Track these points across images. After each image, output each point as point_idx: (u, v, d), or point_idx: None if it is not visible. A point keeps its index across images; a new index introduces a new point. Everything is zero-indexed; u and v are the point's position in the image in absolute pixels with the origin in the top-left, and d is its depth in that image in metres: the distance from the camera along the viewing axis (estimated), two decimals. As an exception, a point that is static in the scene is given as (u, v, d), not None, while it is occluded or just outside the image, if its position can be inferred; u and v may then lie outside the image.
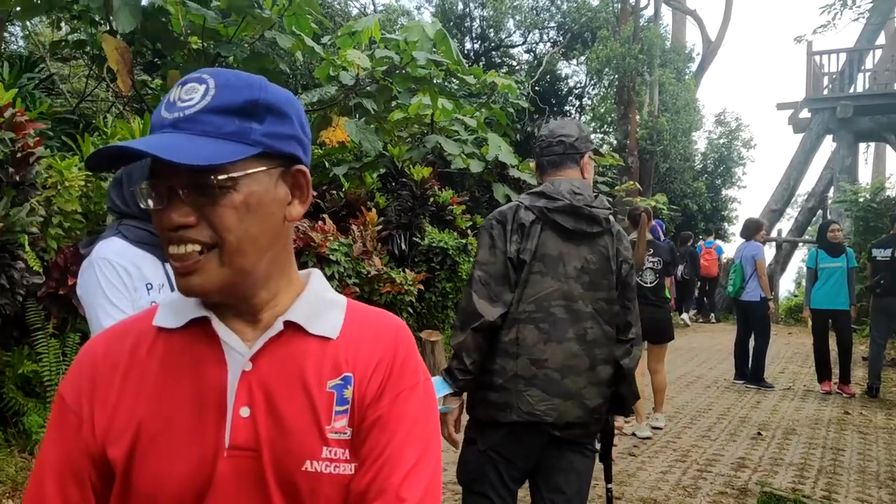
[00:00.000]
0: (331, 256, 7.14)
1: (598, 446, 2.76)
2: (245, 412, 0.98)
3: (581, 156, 2.65)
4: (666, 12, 23.15)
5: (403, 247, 9.08)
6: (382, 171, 10.37)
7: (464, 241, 9.52)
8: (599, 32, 18.75)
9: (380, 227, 8.66)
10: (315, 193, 8.88)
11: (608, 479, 2.86)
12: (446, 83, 10.75)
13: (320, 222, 7.50)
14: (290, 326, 1.03)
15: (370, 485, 0.98)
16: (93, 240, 2.17)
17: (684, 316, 16.18)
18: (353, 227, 8.04)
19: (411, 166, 9.71)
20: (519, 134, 16.62)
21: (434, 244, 9.20)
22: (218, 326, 1.02)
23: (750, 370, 9.12)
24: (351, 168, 9.96)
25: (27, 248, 4.49)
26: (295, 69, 12.49)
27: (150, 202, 0.95)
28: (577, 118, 22.35)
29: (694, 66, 23.54)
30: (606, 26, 19.18)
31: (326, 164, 10.23)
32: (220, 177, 0.92)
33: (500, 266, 2.49)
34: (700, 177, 22.35)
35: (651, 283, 6.29)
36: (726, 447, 6.00)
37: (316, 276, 1.12)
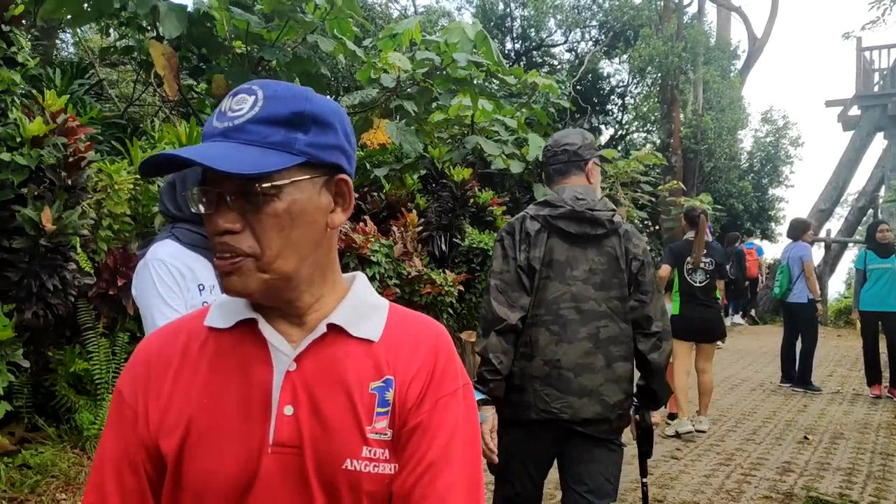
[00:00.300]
0: (372, 258, 7.19)
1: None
2: (289, 410, 1.02)
3: (585, 162, 2.78)
4: (710, 9, 22.78)
5: (444, 248, 9.10)
6: (423, 172, 10.41)
7: (504, 241, 9.49)
8: (642, 30, 18.55)
9: (420, 228, 8.70)
10: (356, 195, 8.95)
11: (643, 473, 2.95)
12: (486, 83, 10.75)
13: (361, 224, 7.56)
14: (334, 329, 1.07)
15: (413, 489, 1.01)
16: (147, 242, 2.25)
17: (736, 318, 15.89)
18: (394, 228, 8.09)
19: (451, 167, 9.73)
20: (560, 134, 16.50)
21: (474, 245, 9.20)
22: (264, 328, 1.06)
23: (797, 373, 8.94)
24: (391, 170, 10.02)
25: (79, 249, 4.62)
26: (336, 72, 12.62)
27: (201, 207, 1.00)
28: (620, 117, 22.15)
29: (739, 64, 23.11)
30: (649, 24, 18.95)
31: (367, 165, 10.31)
32: (264, 185, 0.96)
33: (513, 274, 2.63)
34: (746, 176, 21.93)
35: (701, 282, 6.25)
36: (772, 451, 5.90)
37: (360, 280, 1.16)
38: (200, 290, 2.15)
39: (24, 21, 5.09)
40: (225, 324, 1.09)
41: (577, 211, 2.63)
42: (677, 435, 6.15)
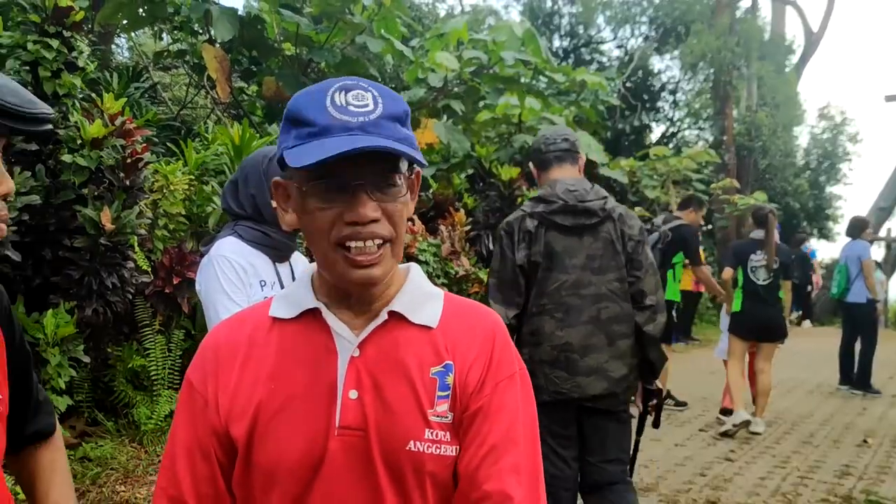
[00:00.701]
0: (420, 257, 7.23)
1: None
2: (353, 395, 1.07)
3: (578, 156, 3.03)
4: (764, 3, 22.30)
5: (491, 247, 9.08)
6: (470, 171, 10.41)
7: (553, 240, 9.44)
8: (693, 26, 18.25)
9: (468, 227, 8.70)
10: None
11: (639, 431, 3.16)
12: (534, 82, 10.69)
13: (409, 223, 7.61)
14: (394, 316, 1.11)
15: (477, 470, 1.05)
16: (211, 239, 2.33)
17: (805, 323, 15.42)
18: (442, 227, 8.11)
19: (499, 166, 9.71)
20: (609, 132, 16.35)
21: (522, 244, 9.17)
22: (328, 317, 1.11)
23: (856, 375, 8.68)
24: (438, 169, 10.04)
25: (137, 248, 4.74)
26: (383, 73, 12.70)
27: (325, 198, 1.03)
28: (671, 114, 21.82)
29: (794, 59, 22.55)
30: (701, 19, 18.62)
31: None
32: (402, 176, 1.05)
33: (509, 272, 2.84)
34: (802, 173, 21.41)
35: (765, 281, 6.19)
36: (829, 454, 5.74)
37: (415, 269, 1.20)
38: (262, 286, 2.22)
39: (83, 27, 5.24)
40: (289, 314, 1.14)
41: (569, 205, 2.82)
42: (734, 427, 6.11)
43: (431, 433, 1.06)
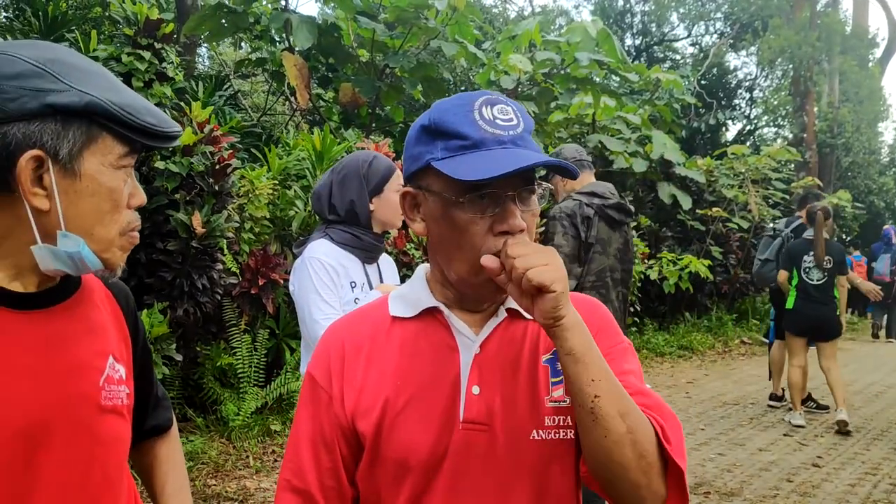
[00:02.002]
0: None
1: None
2: (476, 390, 1.11)
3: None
4: (846, -5, 21.48)
5: (566, 248, 9.03)
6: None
7: (628, 242, 9.34)
8: (772, 21, 17.71)
9: (541, 228, 8.67)
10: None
11: None
12: (606, 81, 10.59)
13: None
14: (510, 312, 1.16)
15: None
16: (304, 241, 2.41)
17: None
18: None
19: (573, 167, 9.63)
20: (684, 130, 16.03)
21: (597, 245, 9.09)
22: (449, 316, 1.15)
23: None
24: (511, 171, 10.03)
25: (226, 251, 4.92)
26: (455, 76, 12.78)
27: (477, 209, 1.06)
28: (747, 111, 21.25)
29: (878, 52, 21.64)
30: (779, 14, 18.07)
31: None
32: (542, 187, 1.10)
33: (572, 247, 3.40)
34: (887, 171, 20.54)
35: (818, 281, 6.16)
36: (924, 463, 5.50)
37: None
38: (352, 287, 2.29)
39: (174, 38, 5.46)
40: (409, 313, 1.18)
41: (621, 203, 3.57)
42: (793, 425, 6.24)
43: (551, 419, 1.10)
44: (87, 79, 1.02)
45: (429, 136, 1.08)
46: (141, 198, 1.11)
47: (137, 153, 1.09)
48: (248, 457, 4.70)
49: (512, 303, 1.14)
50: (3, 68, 0.99)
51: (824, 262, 6.09)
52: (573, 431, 1.09)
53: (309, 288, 2.25)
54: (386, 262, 2.53)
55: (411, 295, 1.19)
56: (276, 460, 4.72)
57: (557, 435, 1.10)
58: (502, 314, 1.15)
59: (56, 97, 0.98)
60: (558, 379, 1.11)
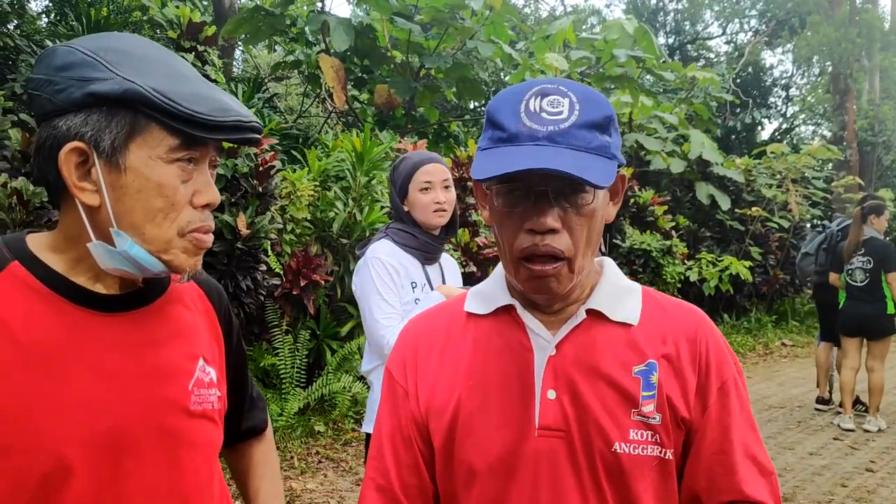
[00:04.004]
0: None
1: None
2: (552, 395, 1.05)
3: None
4: (886, -11, 21.04)
5: (604, 249, 8.93)
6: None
7: (668, 242, 9.22)
8: (810, 18, 17.42)
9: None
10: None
11: None
12: (640, 79, 10.47)
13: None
14: (592, 314, 1.08)
15: (712, 486, 1.06)
16: (366, 242, 2.41)
17: None
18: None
19: (609, 167, 9.55)
20: (719, 129, 15.82)
21: (635, 246, 9.00)
22: (523, 314, 1.10)
23: None
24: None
25: (269, 252, 4.93)
26: (491, 76, 12.74)
27: (507, 202, 1.01)
28: (784, 109, 20.94)
29: (920, 47, 21.18)
30: (817, 10, 17.76)
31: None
32: (595, 188, 0.99)
33: None
34: (930, 169, 20.05)
35: (861, 282, 6.07)
36: (981, 469, 5.34)
37: (609, 263, 1.16)
38: (413, 287, 2.28)
39: (221, 42, 5.50)
40: (484, 310, 1.13)
41: None
42: (839, 428, 6.16)
43: (637, 433, 1.03)
44: (140, 66, 0.95)
45: (486, 123, 1.04)
46: (208, 196, 1.01)
47: (200, 147, 0.99)
48: (292, 458, 4.69)
49: (594, 302, 1.09)
50: (56, 60, 0.95)
51: (860, 262, 6.02)
52: (665, 451, 1.04)
53: (370, 288, 2.24)
54: (448, 263, 2.50)
55: (487, 291, 1.15)
56: (320, 461, 4.71)
57: (645, 451, 1.03)
58: (581, 315, 1.08)
59: (98, 86, 0.93)
60: (650, 393, 1.04)
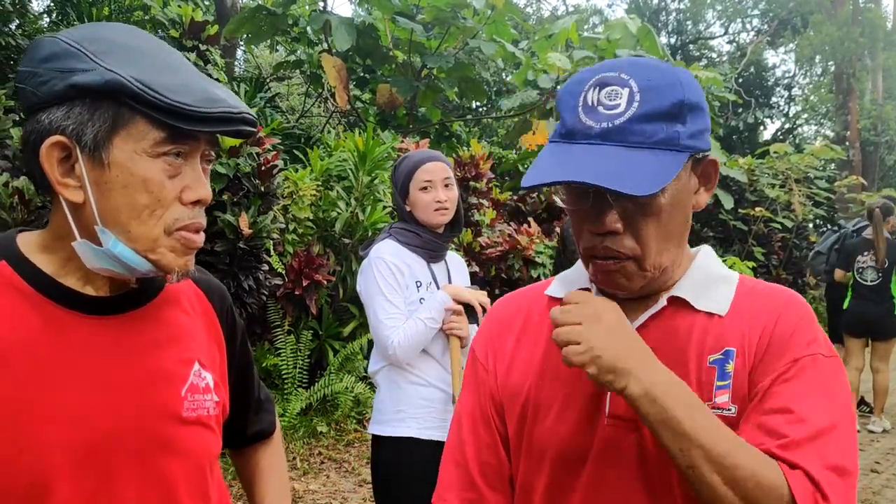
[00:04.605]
0: (536, 259, 7.17)
1: None
2: None
3: None
4: (889, -11, 21.01)
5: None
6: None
7: (669, 242, 9.20)
8: (812, 17, 17.40)
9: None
10: (516, 198, 8.98)
11: None
12: (644, 80, 10.45)
13: (525, 225, 7.57)
14: (675, 301, 1.03)
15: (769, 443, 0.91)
16: (370, 242, 2.40)
17: None
18: (558, 229, 8.04)
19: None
20: (721, 129, 15.80)
21: (638, 246, 8.98)
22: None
23: None
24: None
25: (272, 252, 4.92)
26: (493, 75, 12.74)
27: (570, 200, 0.99)
28: (786, 109, 20.91)
29: (923, 47, 21.16)
30: (819, 10, 17.74)
31: (520, 167, 10.31)
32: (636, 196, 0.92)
33: None
34: (933, 169, 20.03)
35: (873, 281, 6.07)
36: None
37: (704, 251, 1.10)
38: (418, 287, 2.27)
39: (223, 41, 5.48)
40: (562, 293, 1.09)
41: None
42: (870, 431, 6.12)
43: None
44: (126, 56, 0.91)
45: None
46: (199, 192, 0.95)
47: (188, 140, 0.93)
48: (294, 458, 4.68)
49: (679, 290, 1.03)
50: (41, 51, 0.91)
51: (870, 262, 6.01)
52: None
53: (374, 289, 2.24)
54: (455, 261, 2.49)
55: (572, 275, 1.12)
56: (322, 462, 4.70)
57: None
58: (662, 302, 1.03)
59: (80, 77, 0.88)
60: (725, 383, 0.98)
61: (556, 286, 1.14)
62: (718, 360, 0.99)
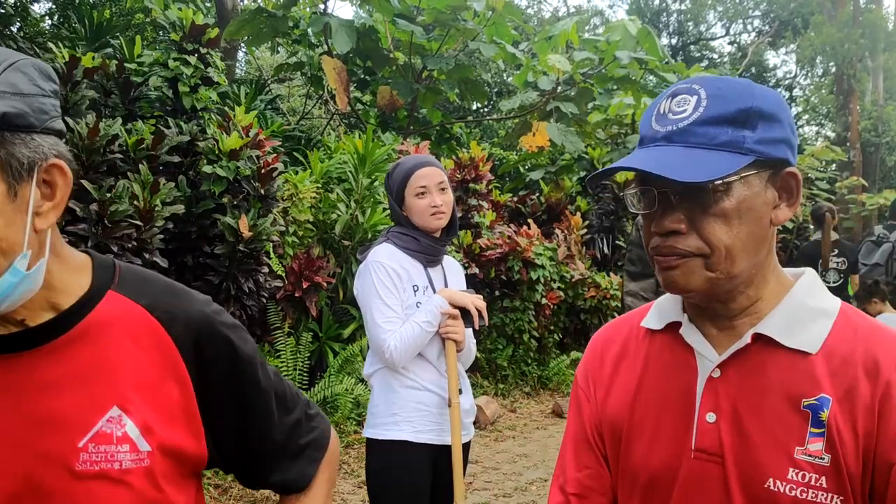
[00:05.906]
0: (536, 261, 7.19)
1: None
2: (711, 418, 1.01)
3: None
4: (890, -10, 21.00)
5: (606, 250, 8.95)
6: (581, 174, 10.29)
7: (670, 243, 9.21)
8: (813, 18, 17.40)
9: (583, 230, 8.60)
10: (515, 198, 9.00)
11: None
12: (642, 81, 10.46)
13: (525, 227, 7.58)
14: (762, 338, 1.00)
15: None
16: (367, 246, 2.40)
17: None
18: (557, 231, 8.05)
19: (612, 168, 9.52)
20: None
21: (638, 247, 8.98)
22: (688, 332, 1.06)
23: None
24: (547, 172, 9.96)
25: (272, 254, 4.94)
26: (494, 77, 12.75)
27: (640, 206, 1.01)
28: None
29: (924, 47, 21.15)
30: (820, 11, 17.74)
31: (521, 169, 10.32)
32: (715, 182, 0.93)
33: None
34: (934, 169, 20.02)
35: (835, 283, 6.18)
36: None
37: (804, 280, 1.05)
38: (415, 291, 2.27)
39: (218, 44, 5.50)
40: (657, 325, 1.12)
41: None
42: None
43: (797, 474, 0.94)
44: None
45: None
46: None
47: None
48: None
49: (766, 326, 1.00)
50: None
51: (834, 264, 6.12)
52: (833, 497, 0.93)
53: (371, 293, 2.23)
54: (451, 265, 2.49)
55: (664, 305, 1.13)
56: (321, 464, 4.70)
57: (805, 495, 0.93)
58: (746, 339, 1.00)
59: None
60: (819, 431, 0.94)
61: (651, 317, 1.14)
62: (812, 406, 0.95)
